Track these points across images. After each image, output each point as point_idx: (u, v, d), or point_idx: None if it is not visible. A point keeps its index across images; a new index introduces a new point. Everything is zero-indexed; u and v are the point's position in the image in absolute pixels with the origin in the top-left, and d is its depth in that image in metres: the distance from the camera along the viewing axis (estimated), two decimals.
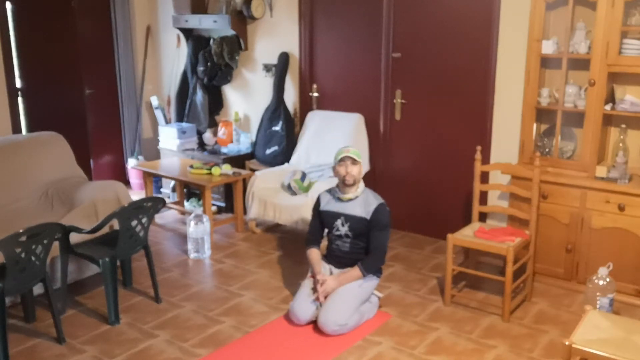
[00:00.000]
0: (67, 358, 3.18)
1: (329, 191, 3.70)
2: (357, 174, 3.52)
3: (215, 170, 4.92)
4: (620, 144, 3.78)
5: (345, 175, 3.50)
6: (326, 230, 3.71)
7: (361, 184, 3.60)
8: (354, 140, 4.83)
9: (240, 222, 5.07)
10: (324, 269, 3.62)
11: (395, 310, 3.70)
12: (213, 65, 5.59)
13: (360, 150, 4.85)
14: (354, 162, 3.50)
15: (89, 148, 6.02)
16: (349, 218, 3.54)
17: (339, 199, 3.59)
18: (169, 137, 5.77)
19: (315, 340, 3.34)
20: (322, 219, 3.68)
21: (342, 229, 3.56)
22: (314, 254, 3.65)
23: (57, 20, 5.70)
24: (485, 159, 4.28)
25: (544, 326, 3.49)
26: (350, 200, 3.56)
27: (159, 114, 6.14)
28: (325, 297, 3.43)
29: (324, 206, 3.66)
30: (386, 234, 3.55)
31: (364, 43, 4.92)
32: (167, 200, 5.38)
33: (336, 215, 3.58)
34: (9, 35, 5.28)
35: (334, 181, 4.49)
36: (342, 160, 3.51)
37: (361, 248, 3.56)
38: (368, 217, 3.49)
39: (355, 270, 3.48)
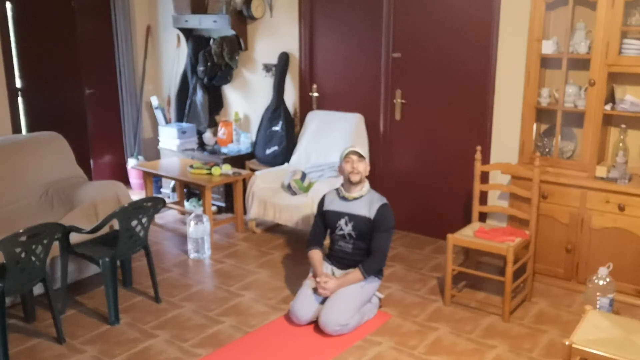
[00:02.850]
0: (67, 358, 3.18)
1: (334, 191, 3.70)
2: (363, 170, 3.53)
3: (215, 170, 4.93)
4: (620, 144, 3.78)
5: (352, 171, 3.51)
6: (329, 230, 3.71)
7: (366, 184, 3.60)
8: (354, 140, 4.83)
9: (240, 222, 5.07)
10: (326, 269, 3.62)
11: (395, 310, 3.70)
12: (213, 65, 5.59)
13: (360, 150, 4.86)
14: (360, 157, 3.51)
15: (89, 148, 6.02)
16: (353, 217, 3.54)
17: (344, 198, 3.59)
18: (169, 137, 5.77)
19: (316, 340, 3.34)
20: (325, 218, 3.68)
21: (346, 228, 3.56)
22: (316, 254, 3.64)
23: (57, 20, 5.70)
24: (485, 159, 4.28)
25: (544, 326, 3.49)
26: (355, 199, 3.56)
27: (159, 114, 6.14)
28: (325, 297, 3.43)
29: (327, 206, 3.66)
30: (388, 236, 3.55)
31: (364, 43, 4.92)
32: (167, 200, 5.38)
33: (340, 215, 3.58)
34: (9, 35, 5.28)
35: (334, 181, 4.51)
36: (347, 156, 3.52)
37: (364, 249, 3.55)
38: (372, 217, 3.49)
39: (356, 273, 3.47)
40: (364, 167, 3.54)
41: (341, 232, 3.58)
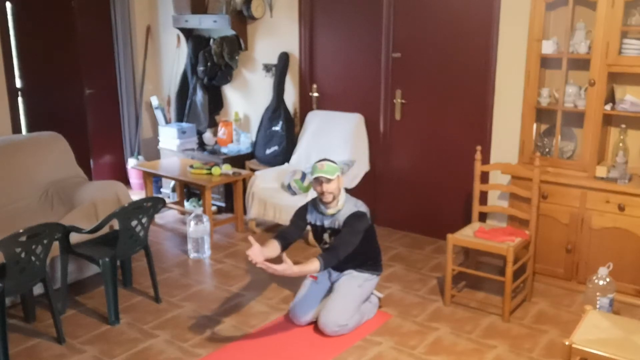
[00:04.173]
0: (67, 358, 3.18)
1: (313, 203, 3.53)
2: (334, 189, 3.34)
3: (215, 170, 4.93)
4: (620, 144, 3.78)
5: (322, 193, 3.35)
6: (316, 242, 3.65)
7: (342, 196, 3.43)
8: (354, 140, 4.83)
9: (240, 222, 5.07)
10: (323, 272, 3.59)
11: (395, 310, 3.70)
12: (213, 65, 5.59)
13: (360, 150, 4.88)
14: (328, 180, 3.32)
15: (89, 148, 6.02)
16: (334, 231, 3.45)
17: (322, 214, 3.47)
18: (169, 137, 5.77)
19: (315, 341, 3.34)
20: (311, 230, 3.60)
21: (330, 241, 3.49)
22: (273, 243, 3.32)
23: (57, 20, 5.70)
24: (485, 159, 4.28)
25: (544, 326, 3.49)
26: (333, 215, 3.44)
27: (159, 114, 6.14)
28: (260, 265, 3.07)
29: (310, 219, 3.54)
30: (351, 239, 3.30)
31: (364, 43, 4.92)
32: (167, 200, 5.38)
33: (323, 229, 3.50)
34: (9, 35, 5.28)
35: None
36: (315, 179, 3.36)
37: (353, 254, 3.39)
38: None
39: (314, 265, 3.16)
40: (335, 186, 3.33)
41: (327, 246, 3.50)
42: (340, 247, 3.27)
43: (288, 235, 3.45)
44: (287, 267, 3.06)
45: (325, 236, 3.51)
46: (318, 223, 3.51)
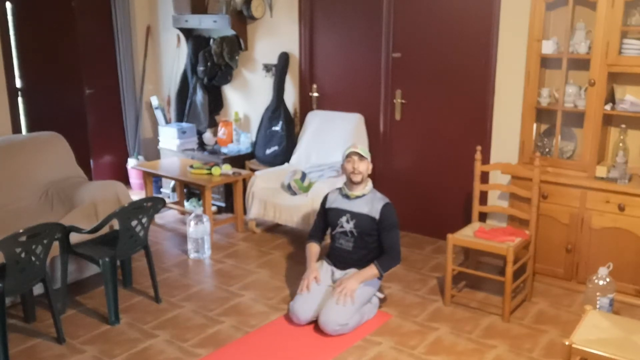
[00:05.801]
0: (67, 358, 3.18)
1: (337, 190, 3.73)
2: (364, 170, 3.55)
3: (215, 170, 4.93)
4: (620, 144, 3.78)
5: (353, 171, 3.53)
6: (330, 229, 3.71)
7: (369, 183, 3.63)
8: (354, 140, 4.82)
9: (240, 222, 5.07)
10: (326, 269, 3.62)
11: (395, 310, 3.70)
12: (213, 65, 5.59)
13: None
14: (361, 157, 3.53)
15: (89, 148, 6.02)
16: (355, 215, 3.55)
17: (347, 196, 3.61)
18: (169, 137, 5.77)
19: (315, 340, 3.34)
20: (327, 217, 3.69)
21: (347, 225, 3.57)
22: (314, 247, 3.73)
23: (57, 20, 5.69)
24: (485, 159, 4.28)
25: (544, 326, 3.49)
26: (357, 197, 3.58)
27: (159, 114, 6.14)
28: (345, 297, 3.41)
29: (330, 204, 3.69)
30: (397, 233, 3.59)
31: (364, 43, 4.92)
32: (167, 200, 5.38)
33: (342, 212, 3.60)
34: (9, 35, 5.28)
35: (334, 181, 4.51)
36: (348, 156, 3.54)
37: (364, 248, 3.56)
38: (377, 216, 3.51)
39: (372, 269, 3.49)
40: (365, 167, 3.55)
41: (342, 229, 3.59)
42: (392, 250, 3.54)
43: (319, 231, 3.80)
44: (352, 283, 3.41)
45: (343, 219, 3.59)
46: (336, 206, 3.65)
